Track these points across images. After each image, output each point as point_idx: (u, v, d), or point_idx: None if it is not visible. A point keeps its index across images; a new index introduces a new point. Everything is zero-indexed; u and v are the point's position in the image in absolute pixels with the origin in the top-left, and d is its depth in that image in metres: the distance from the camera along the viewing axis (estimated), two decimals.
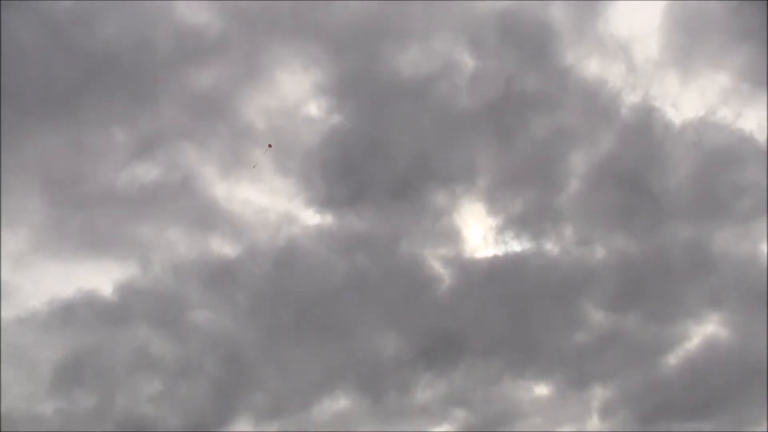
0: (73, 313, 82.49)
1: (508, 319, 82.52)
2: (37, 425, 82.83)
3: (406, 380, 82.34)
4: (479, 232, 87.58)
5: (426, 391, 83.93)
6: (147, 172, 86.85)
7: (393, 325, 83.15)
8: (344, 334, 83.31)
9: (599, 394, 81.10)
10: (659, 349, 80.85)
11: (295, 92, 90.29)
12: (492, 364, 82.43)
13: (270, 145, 76.01)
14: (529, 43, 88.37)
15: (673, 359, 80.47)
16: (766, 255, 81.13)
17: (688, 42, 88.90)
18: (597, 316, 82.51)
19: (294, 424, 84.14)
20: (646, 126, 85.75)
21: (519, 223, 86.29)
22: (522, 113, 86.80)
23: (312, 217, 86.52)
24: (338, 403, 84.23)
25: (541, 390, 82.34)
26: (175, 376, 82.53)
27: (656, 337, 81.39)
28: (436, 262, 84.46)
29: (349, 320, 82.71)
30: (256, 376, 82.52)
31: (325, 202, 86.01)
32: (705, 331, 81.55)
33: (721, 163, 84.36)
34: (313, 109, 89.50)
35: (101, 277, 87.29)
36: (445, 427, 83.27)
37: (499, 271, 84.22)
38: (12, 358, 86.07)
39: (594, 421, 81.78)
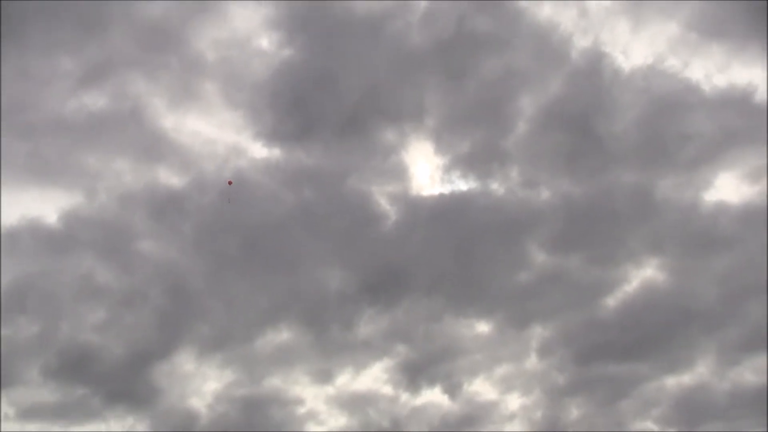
0: (17, 241, 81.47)
1: (452, 258, 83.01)
2: None
3: (349, 315, 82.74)
4: (426, 170, 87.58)
5: (368, 325, 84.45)
6: (95, 101, 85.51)
7: (338, 260, 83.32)
8: (289, 267, 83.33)
9: (538, 333, 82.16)
10: (599, 291, 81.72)
11: (247, 25, 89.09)
12: (434, 301, 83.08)
13: (230, 182, 75.89)
14: None
15: (611, 301, 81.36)
16: (707, 203, 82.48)
17: None
18: (539, 257, 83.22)
19: (237, 355, 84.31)
20: (595, 71, 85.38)
21: (466, 163, 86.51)
22: (473, 53, 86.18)
23: (260, 150, 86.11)
24: (281, 336, 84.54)
25: (482, 328, 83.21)
26: (119, 305, 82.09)
27: (596, 279, 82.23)
28: (383, 199, 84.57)
29: (294, 254, 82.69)
30: (201, 307, 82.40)
31: (273, 136, 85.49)
32: (644, 274, 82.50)
33: (668, 111, 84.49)
34: (264, 42, 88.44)
35: (46, 205, 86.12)
36: (387, 361, 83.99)
37: (445, 209, 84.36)
38: None
39: (532, 360, 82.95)
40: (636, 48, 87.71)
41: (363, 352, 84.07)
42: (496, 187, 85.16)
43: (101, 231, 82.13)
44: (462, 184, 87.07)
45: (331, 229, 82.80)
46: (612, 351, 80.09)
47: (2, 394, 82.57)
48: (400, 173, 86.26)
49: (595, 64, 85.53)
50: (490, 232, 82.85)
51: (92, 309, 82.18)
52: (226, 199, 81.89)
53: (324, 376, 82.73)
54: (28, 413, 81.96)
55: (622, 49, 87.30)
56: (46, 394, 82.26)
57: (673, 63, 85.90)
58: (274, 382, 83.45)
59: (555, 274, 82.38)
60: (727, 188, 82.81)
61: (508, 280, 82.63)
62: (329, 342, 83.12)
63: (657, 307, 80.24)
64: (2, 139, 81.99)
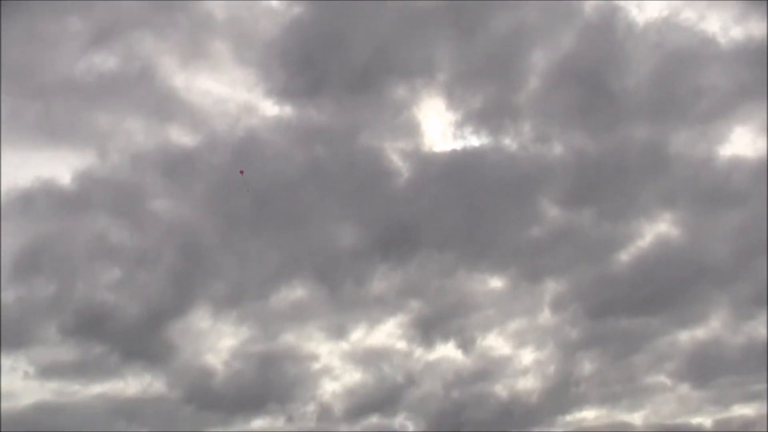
0: (31, 202, 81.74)
1: (465, 213, 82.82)
2: None
3: (362, 271, 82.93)
4: (438, 126, 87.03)
5: (382, 281, 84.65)
6: (104, 61, 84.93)
7: (350, 217, 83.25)
8: (302, 224, 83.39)
9: (551, 288, 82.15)
10: (612, 245, 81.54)
11: None
12: (447, 257, 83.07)
13: (242, 171, 75.43)
14: None
15: (624, 256, 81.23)
16: (721, 158, 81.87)
17: None
18: (552, 212, 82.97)
19: (252, 312, 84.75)
20: (608, 25, 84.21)
21: (478, 119, 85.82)
22: (484, 7, 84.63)
23: (271, 108, 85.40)
24: (295, 293, 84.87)
25: (495, 283, 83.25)
26: (134, 264, 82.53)
27: (609, 234, 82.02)
28: (395, 155, 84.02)
29: (307, 211, 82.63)
30: (215, 265, 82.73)
31: (284, 94, 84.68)
32: (657, 229, 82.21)
33: (682, 64, 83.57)
34: None
35: (59, 166, 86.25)
36: (400, 317, 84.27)
37: (457, 165, 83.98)
38: None
39: (545, 315, 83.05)
40: (650, 1, 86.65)
41: (376, 308, 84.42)
42: (509, 142, 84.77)
43: (114, 191, 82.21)
44: (474, 140, 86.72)
45: (343, 186, 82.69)
46: (625, 305, 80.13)
47: (22, 353, 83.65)
48: (411, 129, 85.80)
49: (609, 17, 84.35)
50: (502, 188, 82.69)
51: (107, 268, 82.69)
52: (239, 161, 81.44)
53: (338, 332, 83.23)
54: (48, 371, 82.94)
55: (636, 2, 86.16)
56: (64, 352, 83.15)
57: (688, 16, 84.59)
58: (288, 338, 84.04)
59: (568, 229, 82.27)
60: (742, 142, 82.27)
61: (520, 235, 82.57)
62: (343, 298, 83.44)
63: (670, 262, 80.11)
64: (14, 101, 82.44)
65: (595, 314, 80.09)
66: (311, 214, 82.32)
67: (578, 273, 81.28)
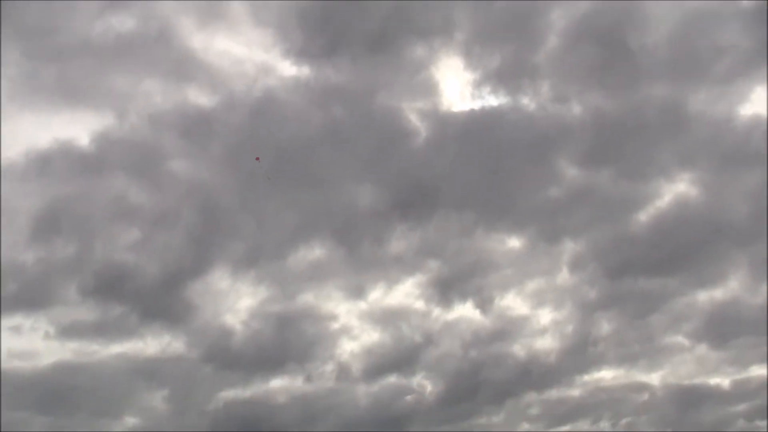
0: (50, 164, 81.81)
1: (483, 173, 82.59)
2: (19, 274, 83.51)
3: (380, 231, 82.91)
4: (456, 86, 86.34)
5: (400, 241, 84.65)
6: (122, 22, 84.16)
7: (368, 177, 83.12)
8: (320, 184, 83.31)
9: (569, 248, 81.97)
10: (630, 206, 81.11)
11: None
12: (465, 217, 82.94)
13: (258, 158, 75.07)
14: None
15: (643, 216, 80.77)
16: (741, 117, 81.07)
17: None
18: (570, 172, 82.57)
19: (270, 272, 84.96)
20: None
21: (496, 78, 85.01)
22: None
23: (289, 69, 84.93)
24: (314, 253, 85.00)
25: (513, 243, 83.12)
26: (152, 225, 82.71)
27: (628, 194, 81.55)
28: (413, 115, 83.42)
29: (325, 171, 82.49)
30: (233, 226, 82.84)
31: (302, 54, 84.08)
32: (676, 189, 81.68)
33: (703, 23, 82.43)
34: None
35: (78, 128, 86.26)
36: (418, 277, 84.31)
37: (475, 125, 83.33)
38: None
39: (563, 274, 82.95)
40: None
41: (395, 268, 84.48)
42: (527, 102, 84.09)
43: (132, 152, 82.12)
44: (492, 100, 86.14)
45: (361, 146, 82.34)
46: (643, 266, 79.85)
47: (42, 314, 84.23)
48: (429, 89, 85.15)
49: None
50: (520, 148, 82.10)
51: (126, 229, 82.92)
52: (257, 122, 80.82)
53: (356, 292, 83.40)
54: (68, 331, 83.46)
55: None
56: (84, 312, 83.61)
57: None
58: (307, 298, 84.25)
59: (586, 189, 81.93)
60: (763, 102, 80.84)
61: (539, 195, 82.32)
62: (361, 258, 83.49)
63: (689, 222, 79.63)
64: (32, 63, 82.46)
65: (613, 274, 80.00)
66: (329, 174, 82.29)
67: (596, 233, 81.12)
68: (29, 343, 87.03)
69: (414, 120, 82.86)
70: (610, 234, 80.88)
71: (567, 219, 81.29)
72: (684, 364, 79.43)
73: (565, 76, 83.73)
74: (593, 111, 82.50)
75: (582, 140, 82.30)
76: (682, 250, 79.38)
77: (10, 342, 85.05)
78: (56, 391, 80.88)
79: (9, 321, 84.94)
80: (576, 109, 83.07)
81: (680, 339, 79.11)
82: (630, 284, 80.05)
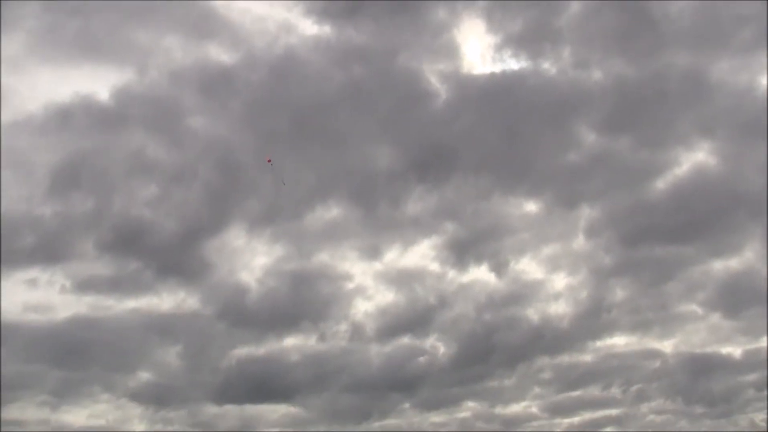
0: (69, 118, 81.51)
1: (502, 137, 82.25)
2: (37, 227, 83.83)
3: (397, 192, 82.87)
4: (477, 48, 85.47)
5: (417, 203, 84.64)
6: None
7: (387, 138, 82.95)
8: (338, 144, 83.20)
9: (586, 213, 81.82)
10: (648, 173, 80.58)
11: None
12: (483, 180, 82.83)
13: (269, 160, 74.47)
14: None
15: (661, 184, 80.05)
16: (763, 87, 79.81)
17: None
18: (589, 138, 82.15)
19: (286, 231, 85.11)
20: None
21: (518, 42, 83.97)
22: None
23: (310, 27, 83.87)
24: (330, 212, 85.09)
25: (530, 207, 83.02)
26: (170, 181, 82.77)
27: (646, 161, 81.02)
28: (433, 77, 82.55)
29: (343, 131, 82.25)
30: (251, 184, 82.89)
31: (323, 13, 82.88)
32: (695, 158, 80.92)
33: None
34: None
35: (98, 82, 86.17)
36: (434, 239, 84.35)
37: (496, 88, 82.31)
38: (10, 162, 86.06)
39: (579, 240, 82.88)
40: None
41: (411, 229, 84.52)
42: (548, 66, 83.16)
43: (152, 107, 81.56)
44: (513, 64, 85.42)
45: (380, 106, 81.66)
46: (659, 233, 79.53)
47: (59, 268, 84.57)
48: (451, 51, 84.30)
49: None
50: (540, 112, 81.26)
51: (144, 185, 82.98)
52: (277, 80, 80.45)
53: (372, 253, 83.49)
54: (84, 286, 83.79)
55: None
56: (101, 267, 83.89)
57: None
58: (322, 257, 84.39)
59: (604, 155, 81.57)
60: None
61: (557, 160, 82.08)
62: (378, 219, 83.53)
63: (706, 191, 78.97)
64: (54, 16, 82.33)
65: (629, 241, 79.88)
66: (348, 134, 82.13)
67: (614, 200, 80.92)
68: (45, 296, 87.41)
69: (434, 82, 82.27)
70: (627, 201, 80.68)
71: (584, 185, 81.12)
72: (697, 333, 79.39)
73: (587, 42, 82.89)
74: (614, 77, 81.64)
75: (602, 106, 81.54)
76: (699, 219, 78.85)
77: (27, 295, 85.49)
78: (71, 345, 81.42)
79: (26, 274, 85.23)
80: (597, 75, 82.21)
81: (694, 307, 78.99)
82: (645, 252, 79.93)
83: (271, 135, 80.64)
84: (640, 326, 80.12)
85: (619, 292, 79.83)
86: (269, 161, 70.13)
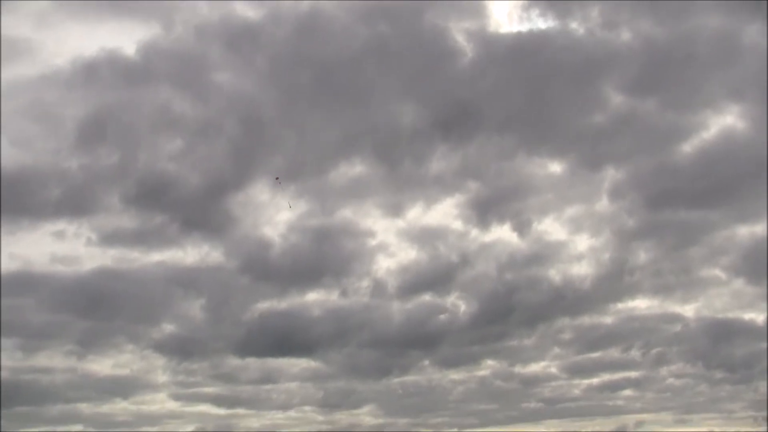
0: (96, 72, 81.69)
1: (527, 96, 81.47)
2: (63, 180, 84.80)
3: (421, 150, 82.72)
4: (504, 7, 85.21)
5: (441, 161, 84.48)
6: None
7: (412, 95, 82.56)
8: (363, 101, 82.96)
9: (611, 175, 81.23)
10: (675, 136, 79.52)
11: None
12: (507, 139, 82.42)
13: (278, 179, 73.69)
14: None
15: (687, 147, 78.72)
16: None
17: None
18: (616, 99, 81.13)
19: (310, 187, 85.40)
20: None
21: (545, 1, 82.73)
22: None
23: None
24: (354, 169, 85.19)
25: (554, 167, 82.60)
26: (195, 135, 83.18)
27: (673, 123, 79.91)
28: (459, 35, 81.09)
29: (369, 88, 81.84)
30: (275, 139, 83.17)
31: None
32: (723, 122, 79.44)
33: None
34: None
35: (124, 37, 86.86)
36: (457, 197, 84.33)
37: (522, 48, 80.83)
38: (37, 115, 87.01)
39: (603, 202, 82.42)
40: None
41: (434, 187, 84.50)
42: (576, 26, 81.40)
43: (178, 62, 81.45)
44: (540, 23, 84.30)
45: (406, 63, 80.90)
46: (684, 197, 78.73)
47: (85, 220, 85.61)
48: (478, 10, 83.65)
49: None
50: (566, 73, 79.96)
51: (169, 139, 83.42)
52: (302, 36, 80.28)
53: (395, 210, 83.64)
54: (109, 239, 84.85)
55: None
56: (126, 220, 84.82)
57: None
58: (345, 213, 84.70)
59: (631, 117, 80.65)
60: None
61: (582, 120, 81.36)
62: (401, 176, 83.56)
63: (734, 156, 77.37)
64: None
65: (653, 204, 79.32)
66: (373, 91, 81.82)
67: (639, 162, 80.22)
68: (72, 248, 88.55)
69: (460, 40, 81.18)
70: (652, 163, 79.94)
71: (610, 146, 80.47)
72: (719, 298, 78.94)
73: (616, 1, 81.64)
74: (643, 38, 80.00)
75: (629, 67, 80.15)
76: (725, 183, 77.75)
77: (53, 247, 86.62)
78: (97, 296, 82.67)
79: (53, 226, 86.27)
80: (625, 35, 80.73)
81: (717, 272, 78.47)
82: (670, 215, 79.37)
83: (295, 90, 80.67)
84: (662, 289, 79.82)
85: (642, 255, 79.52)
86: (277, 179, 69.80)
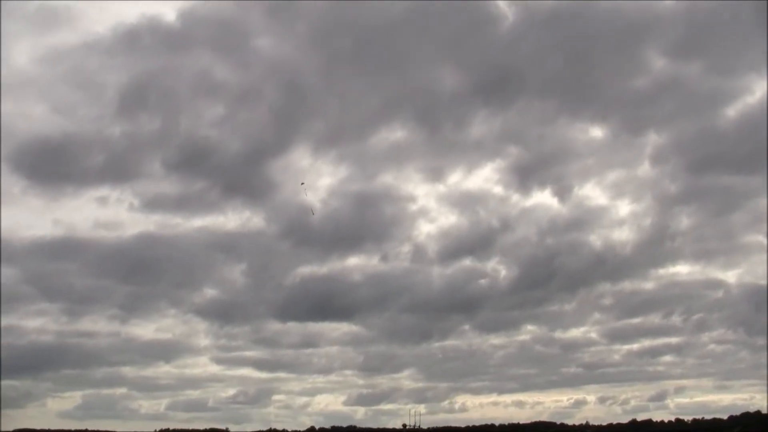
0: (137, 39, 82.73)
1: (568, 60, 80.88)
2: (106, 147, 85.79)
3: (462, 114, 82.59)
4: None
5: (481, 126, 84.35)
6: None
7: (453, 60, 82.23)
8: (404, 66, 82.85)
9: (653, 140, 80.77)
10: (718, 100, 78.62)
11: None
12: (548, 104, 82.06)
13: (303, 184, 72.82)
14: None
15: (731, 112, 77.60)
16: None
17: None
18: (659, 63, 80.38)
19: (351, 152, 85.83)
20: None
21: None
22: None
23: None
24: (395, 134, 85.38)
25: (596, 132, 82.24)
26: (236, 101, 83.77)
27: (717, 88, 78.90)
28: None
29: (409, 52, 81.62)
30: (316, 104, 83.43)
31: None
32: None
33: None
34: None
35: (165, 3, 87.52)
36: (498, 162, 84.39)
37: (564, 11, 79.06)
38: (79, 83, 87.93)
39: (645, 167, 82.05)
40: None
41: (475, 152, 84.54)
42: None
43: (218, 28, 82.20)
44: None
45: (446, 28, 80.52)
46: (728, 162, 78.00)
47: (127, 186, 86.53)
48: None
49: None
50: (608, 36, 79.09)
51: (210, 105, 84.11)
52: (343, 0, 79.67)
53: (436, 175, 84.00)
54: (151, 204, 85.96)
55: None
56: (168, 186, 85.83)
57: None
58: (386, 178, 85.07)
59: (673, 81, 79.81)
60: None
61: (624, 85, 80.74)
62: (442, 141, 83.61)
63: None
64: None
65: (696, 169, 78.70)
66: (413, 56, 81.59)
67: (681, 126, 79.56)
68: (114, 214, 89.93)
69: (501, 4, 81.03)
70: (695, 128, 79.23)
71: (652, 110, 79.75)
72: (762, 264, 78.27)
73: None
74: (686, 2, 79.50)
75: (672, 31, 78.83)
76: None
77: (97, 213, 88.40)
78: (140, 262, 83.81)
79: (95, 192, 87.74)
80: None
81: (760, 238, 77.91)
82: (712, 180, 78.72)
83: (336, 56, 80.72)
84: (703, 255, 79.52)
85: (684, 221, 79.17)
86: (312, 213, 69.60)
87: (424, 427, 77.52)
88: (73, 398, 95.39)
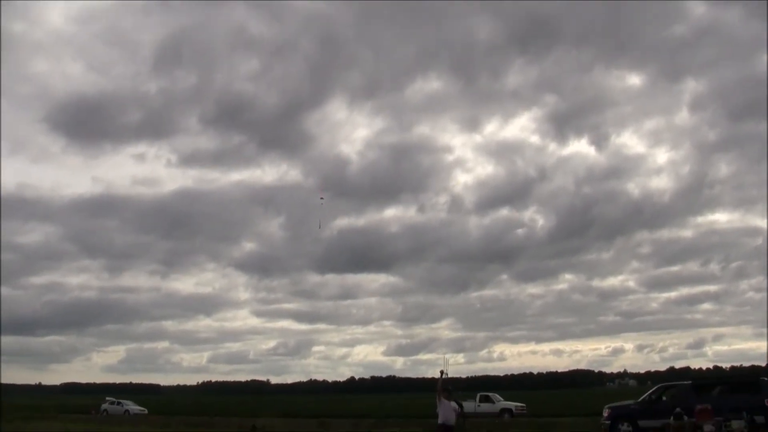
0: None
1: (605, 8, 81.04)
2: (142, 103, 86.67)
3: (498, 64, 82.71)
4: None
5: (517, 75, 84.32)
6: None
7: (488, 9, 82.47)
8: (439, 16, 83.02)
9: (691, 87, 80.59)
10: (758, 45, 79.28)
11: None
12: (585, 52, 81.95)
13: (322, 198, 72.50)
14: None
15: None
16: None
17: None
18: (697, 9, 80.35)
19: (387, 103, 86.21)
20: None
21: None
22: None
23: None
24: (430, 85, 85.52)
25: (633, 80, 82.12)
26: (271, 55, 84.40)
27: (756, 33, 79.64)
28: None
29: (444, 3, 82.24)
30: (351, 57, 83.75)
31: None
32: None
33: None
34: None
35: None
36: (535, 111, 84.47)
37: None
38: (114, 40, 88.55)
39: (683, 114, 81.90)
40: None
41: (511, 102, 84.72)
42: None
43: None
44: None
45: None
46: (767, 108, 78.12)
47: (165, 142, 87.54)
48: None
49: None
50: None
51: (245, 59, 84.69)
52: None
53: (472, 125, 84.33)
54: (189, 159, 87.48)
55: None
56: (205, 141, 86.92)
57: None
58: (422, 129, 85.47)
59: (712, 27, 79.80)
60: None
61: (662, 31, 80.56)
62: (478, 91, 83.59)
63: None
64: None
65: (735, 116, 78.65)
66: (448, 6, 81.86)
67: (720, 73, 79.47)
68: (152, 170, 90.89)
69: None
70: (734, 74, 79.27)
71: (690, 57, 79.82)
72: None
73: None
74: None
75: None
76: None
77: (134, 169, 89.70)
78: (178, 217, 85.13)
79: (133, 149, 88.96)
80: None
81: None
82: (752, 127, 78.92)
83: (370, 8, 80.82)
84: (743, 203, 79.67)
85: (723, 168, 79.19)
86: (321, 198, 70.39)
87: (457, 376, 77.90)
88: (116, 352, 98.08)
